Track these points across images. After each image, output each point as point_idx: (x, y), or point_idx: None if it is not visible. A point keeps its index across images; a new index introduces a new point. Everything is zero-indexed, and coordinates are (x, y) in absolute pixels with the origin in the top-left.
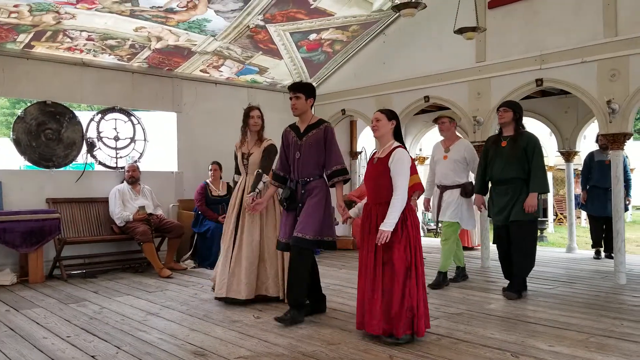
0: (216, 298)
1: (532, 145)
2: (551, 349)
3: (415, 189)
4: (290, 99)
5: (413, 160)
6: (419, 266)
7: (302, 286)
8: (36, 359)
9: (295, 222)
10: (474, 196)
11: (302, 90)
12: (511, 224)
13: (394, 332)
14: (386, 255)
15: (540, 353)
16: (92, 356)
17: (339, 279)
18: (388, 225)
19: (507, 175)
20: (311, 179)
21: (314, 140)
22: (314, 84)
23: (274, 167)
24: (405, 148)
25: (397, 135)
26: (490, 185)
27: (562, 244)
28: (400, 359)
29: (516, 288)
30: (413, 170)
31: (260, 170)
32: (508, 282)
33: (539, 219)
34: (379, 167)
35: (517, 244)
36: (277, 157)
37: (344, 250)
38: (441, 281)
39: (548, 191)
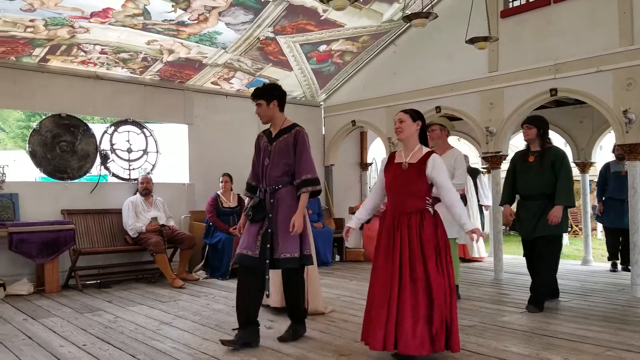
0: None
1: (560, 159)
2: None
3: None
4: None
5: None
6: (451, 278)
7: (302, 300)
8: None
9: (258, 233)
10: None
11: (261, 96)
12: (537, 239)
13: (436, 347)
14: (419, 269)
15: None
16: None
17: (349, 291)
18: (471, 224)
19: (534, 190)
20: (280, 186)
21: (284, 144)
22: (278, 83)
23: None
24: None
25: (422, 137)
26: (517, 199)
27: (578, 257)
28: None
29: (538, 303)
30: None
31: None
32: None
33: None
34: (411, 173)
35: (541, 258)
36: (251, 166)
37: (355, 262)
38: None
39: (574, 205)
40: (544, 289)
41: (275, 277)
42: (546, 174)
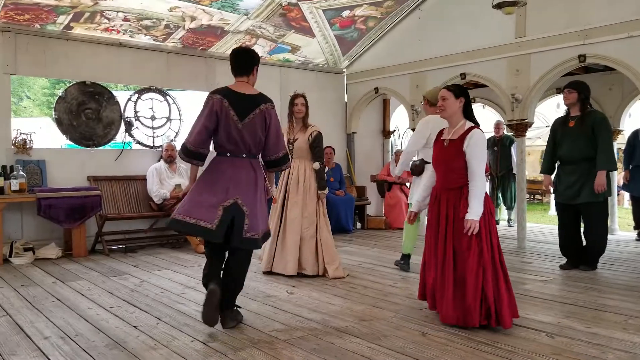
0: (263, 272)
1: (599, 122)
2: (588, 330)
3: None
4: None
5: None
6: (495, 254)
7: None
8: (82, 328)
9: None
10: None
11: (245, 62)
12: (581, 206)
13: (468, 322)
14: (458, 244)
15: (577, 334)
16: (135, 326)
17: (370, 258)
18: (474, 214)
19: (575, 155)
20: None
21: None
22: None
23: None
24: (480, 128)
25: (468, 113)
26: (558, 164)
27: None
28: (434, 336)
29: (591, 263)
30: None
31: (319, 164)
32: (566, 259)
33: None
34: (451, 150)
35: (591, 224)
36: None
37: (376, 229)
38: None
39: (616, 168)
40: (596, 251)
41: (291, 244)
42: (586, 138)
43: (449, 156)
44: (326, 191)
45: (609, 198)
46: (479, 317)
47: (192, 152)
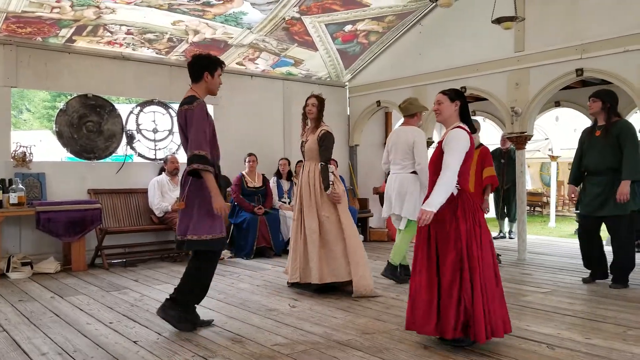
0: (290, 284)
1: (625, 132)
2: (588, 342)
3: (487, 182)
4: None
5: (489, 152)
6: (475, 264)
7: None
8: (81, 344)
9: None
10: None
11: (190, 69)
12: (605, 220)
13: (443, 333)
14: (439, 249)
15: (577, 345)
16: (134, 342)
17: (373, 270)
18: (429, 204)
19: (601, 165)
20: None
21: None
22: (210, 57)
23: (199, 149)
24: (465, 128)
25: (464, 116)
26: (585, 174)
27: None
28: (436, 349)
29: (620, 280)
30: (488, 163)
31: (322, 164)
32: (589, 272)
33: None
34: (437, 151)
35: (616, 237)
36: (205, 136)
37: (379, 241)
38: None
39: (639, 179)
40: (624, 266)
41: (312, 254)
42: (612, 148)
43: (435, 157)
44: (329, 191)
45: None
46: (453, 329)
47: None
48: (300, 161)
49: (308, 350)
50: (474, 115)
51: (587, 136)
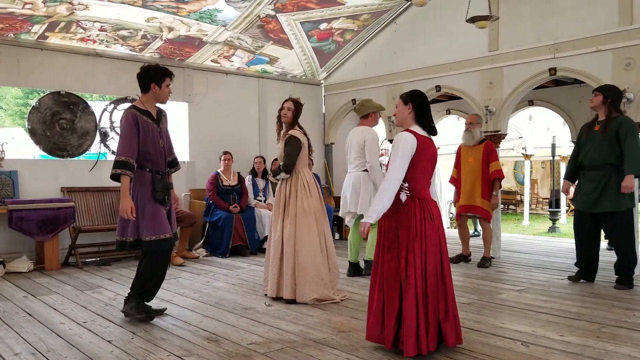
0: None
1: (625, 127)
2: (562, 339)
3: (494, 176)
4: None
5: (494, 146)
6: (412, 274)
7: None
8: (55, 344)
9: (168, 214)
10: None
11: (138, 80)
12: (602, 216)
13: (385, 341)
14: (383, 256)
15: (552, 343)
16: (109, 341)
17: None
18: (367, 216)
19: (597, 161)
20: (169, 169)
21: (166, 127)
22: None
23: (120, 155)
24: (414, 131)
25: (421, 120)
26: (581, 171)
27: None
28: None
29: (625, 281)
30: (494, 157)
31: (276, 171)
32: (577, 270)
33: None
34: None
35: (614, 236)
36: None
37: None
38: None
39: None
40: (625, 265)
41: (272, 266)
42: (610, 143)
43: (388, 162)
44: (279, 177)
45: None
46: (392, 337)
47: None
48: (276, 159)
49: (284, 348)
50: (449, 114)
51: (585, 131)
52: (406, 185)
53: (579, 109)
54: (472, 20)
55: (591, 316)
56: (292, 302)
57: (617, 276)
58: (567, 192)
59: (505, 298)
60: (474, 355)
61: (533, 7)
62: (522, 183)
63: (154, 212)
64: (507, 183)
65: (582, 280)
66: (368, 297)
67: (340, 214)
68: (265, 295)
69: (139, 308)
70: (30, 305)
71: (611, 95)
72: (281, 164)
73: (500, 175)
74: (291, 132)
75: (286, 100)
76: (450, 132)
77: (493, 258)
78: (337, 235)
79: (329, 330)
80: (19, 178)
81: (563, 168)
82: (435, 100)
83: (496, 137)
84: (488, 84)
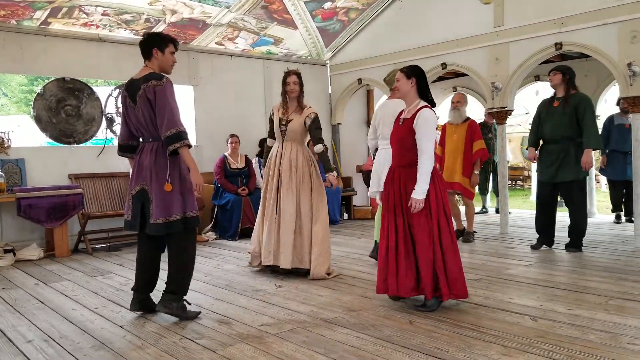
0: (265, 266)
1: (584, 103)
2: (570, 312)
3: (479, 154)
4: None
5: (477, 125)
6: (444, 232)
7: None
8: (67, 330)
9: None
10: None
11: (141, 48)
12: (561, 185)
13: (425, 294)
14: (411, 220)
15: (559, 316)
16: (121, 326)
17: (358, 248)
18: (419, 192)
19: (557, 134)
20: None
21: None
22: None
23: (179, 125)
24: (431, 107)
25: (423, 93)
26: (541, 144)
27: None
28: (420, 323)
29: (576, 245)
30: (477, 136)
31: (322, 146)
32: (537, 238)
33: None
34: (404, 129)
35: (571, 203)
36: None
37: (363, 219)
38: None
39: (602, 147)
40: (578, 231)
41: (286, 238)
42: (569, 118)
43: (402, 134)
44: (335, 173)
45: (587, 178)
46: (432, 290)
47: (120, 146)
48: (265, 139)
49: (295, 329)
50: (455, 91)
51: (545, 106)
52: None
53: (585, 83)
54: None
55: (598, 289)
56: (307, 272)
57: (569, 239)
58: (535, 158)
59: (513, 273)
60: (482, 330)
61: None
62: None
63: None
64: (515, 159)
65: (543, 247)
66: (383, 255)
67: (369, 194)
68: (251, 264)
69: (185, 308)
70: (41, 293)
71: (569, 73)
72: (323, 145)
73: (484, 154)
74: (313, 110)
75: (289, 75)
76: None
77: (476, 232)
78: (345, 216)
79: (339, 310)
80: (26, 166)
81: None
82: (441, 78)
83: (502, 114)
84: (494, 60)
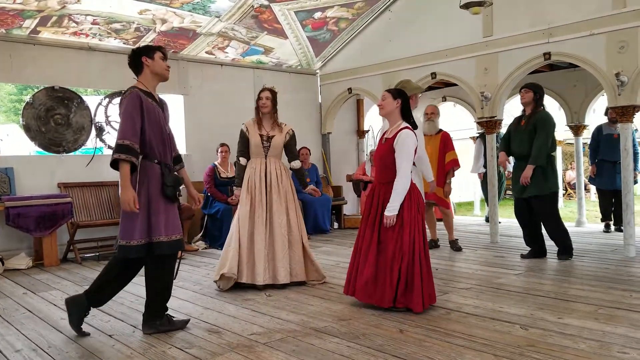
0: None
1: (541, 122)
2: (560, 321)
3: (452, 165)
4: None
5: (450, 136)
6: (417, 244)
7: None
8: (55, 339)
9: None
10: None
11: (130, 64)
12: (531, 199)
13: (382, 303)
14: (382, 232)
15: (549, 325)
16: (110, 335)
17: (347, 257)
18: (391, 209)
19: (523, 152)
20: (175, 166)
21: (167, 113)
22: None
23: (123, 139)
24: (412, 129)
25: (406, 115)
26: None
27: (572, 218)
28: (411, 332)
29: (564, 252)
30: (450, 147)
31: (297, 163)
32: (529, 249)
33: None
34: (385, 148)
35: (541, 216)
36: (132, 125)
37: (353, 228)
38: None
39: (542, 164)
40: (560, 240)
41: (282, 253)
42: (531, 136)
43: (383, 152)
44: (309, 189)
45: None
46: (391, 300)
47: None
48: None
49: (285, 338)
50: (445, 101)
51: (514, 124)
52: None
53: (573, 93)
54: (466, 6)
55: (588, 298)
56: (302, 283)
57: (557, 249)
58: (504, 164)
59: (503, 282)
60: (473, 339)
61: None
62: None
63: (167, 209)
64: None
65: (535, 258)
66: (353, 262)
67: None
68: (221, 289)
69: (169, 322)
70: (30, 302)
71: (540, 91)
72: (298, 161)
73: (455, 165)
74: (291, 126)
75: (262, 90)
76: (450, 119)
77: (457, 239)
78: (336, 224)
79: (329, 319)
80: (15, 175)
81: (559, 152)
82: (430, 88)
83: (492, 123)
84: (483, 70)
